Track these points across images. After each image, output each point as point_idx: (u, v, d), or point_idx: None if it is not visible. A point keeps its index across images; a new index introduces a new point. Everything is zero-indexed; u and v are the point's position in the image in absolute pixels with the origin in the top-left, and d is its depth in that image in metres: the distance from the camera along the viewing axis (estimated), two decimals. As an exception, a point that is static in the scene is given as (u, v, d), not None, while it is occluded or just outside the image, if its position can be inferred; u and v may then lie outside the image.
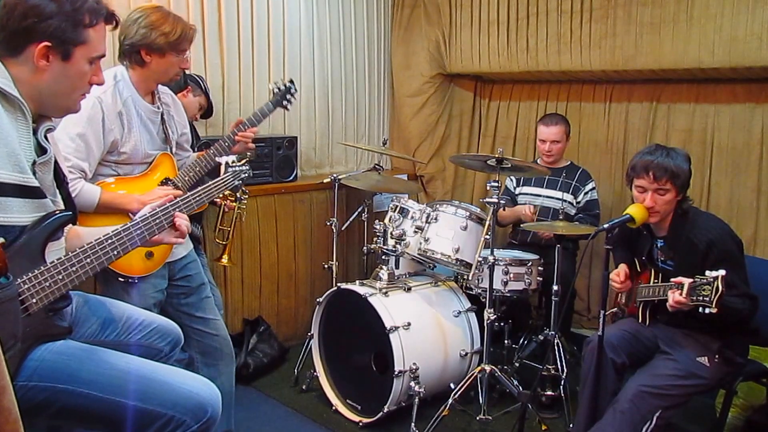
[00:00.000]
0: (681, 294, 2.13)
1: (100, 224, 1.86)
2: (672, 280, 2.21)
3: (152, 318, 1.85)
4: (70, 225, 1.59)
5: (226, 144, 2.50)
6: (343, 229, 3.73)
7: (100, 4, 1.49)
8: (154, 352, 1.77)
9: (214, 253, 3.17)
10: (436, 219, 3.02)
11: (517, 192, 3.76)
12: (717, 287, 2.03)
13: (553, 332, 3.02)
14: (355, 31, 4.24)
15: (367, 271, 3.74)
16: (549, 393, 3.06)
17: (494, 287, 2.97)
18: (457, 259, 2.94)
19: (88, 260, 1.46)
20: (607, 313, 2.35)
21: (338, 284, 3.06)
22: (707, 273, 2.07)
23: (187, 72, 2.83)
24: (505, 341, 3.27)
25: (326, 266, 3.66)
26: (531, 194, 3.69)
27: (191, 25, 2.27)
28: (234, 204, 2.70)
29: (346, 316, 3.07)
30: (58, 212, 1.47)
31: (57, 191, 1.53)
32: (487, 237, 2.89)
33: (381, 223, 3.10)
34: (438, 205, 3.08)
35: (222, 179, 2.02)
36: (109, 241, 1.52)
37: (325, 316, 3.16)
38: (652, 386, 2.27)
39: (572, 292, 3.47)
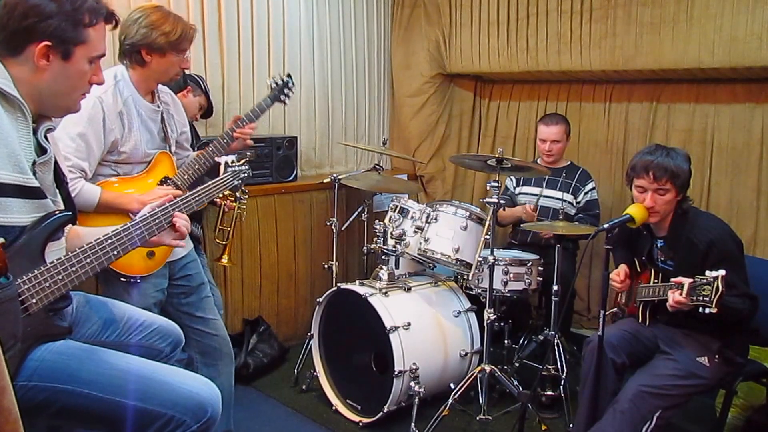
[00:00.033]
0: (681, 294, 2.13)
1: (100, 224, 1.86)
2: (672, 280, 2.21)
3: (153, 319, 1.85)
4: (70, 225, 1.59)
5: (225, 141, 2.49)
6: (343, 229, 3.73)
7: (99, 3, 1.49)
8: (155, 353, 1.77)
9: (214, 253, 3.17)
10: (436, 219, 3.02)
11: (516, 192, 3.76)
12: (717, 287, 2.03)
13: (553, 332, 3.02)
14: (355, 31, 4.24)
15: (367, 271, 3.74)
16: (549, 393, 3.06)
17: (494, 287, 2.97)
18: (457, 259, 2.94)
19: (88, 260, 1.46)
20: (607, 313, 2.35)
21: (338, 284, 3.06)
22: (707, 273, 2.07)
23: (187, 72, 2.83)
24: (505, 341, 3.27)
25: (326, 266, 3.66)
26: (531, 194, 3.68)
27: (191, 25, 2.28)
28: (234, 204, 2.70)
29: (346, 316, 3.07)
30: (58, 212, 1.47)
31: (57, 191, 1.53)
32: (487, 237, 2.89)
33: (381, 223, 3.10)
34: (438, 205, 3.08)
35: (221, 179, 2.02)
36: (109, 241, 1.51)
37: (325, 316, 3.16)
38: (652, 386, 2.27)
39: (572, 292, 3.47)
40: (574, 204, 3.59)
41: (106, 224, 1.74)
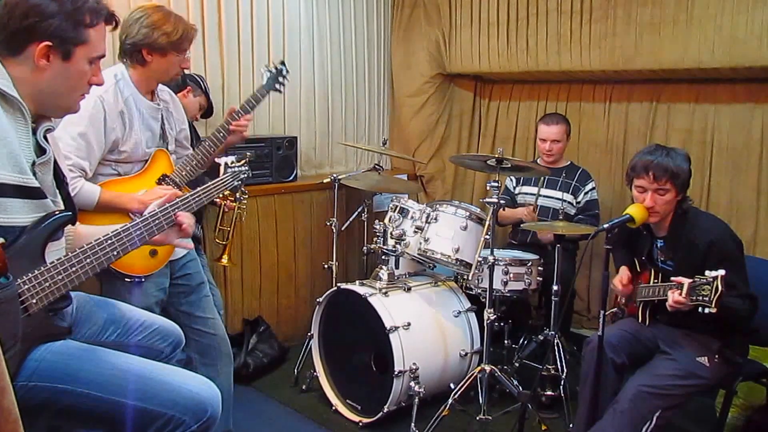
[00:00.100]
0: (681, 294, 2.13)
1: (100, 224, 1.85)
2: (672, 279, 2.21)
3: (153, 319, 1.85)
4: (70, 225, 1.59)
5: (221, 134, 2.46)
6: (343, 229, 3.73)
7: (100, 4, 1.50)
8: (155, 353, 1.77)
9: (214, 253, 3.17)
10: (436, 219, 3.02)
11: (516, 192, 3.76)
12: (717, 287, 2.03)
13: (553, 332, 3.02)
14: (355, 31, 4.24)
15: (367, 271, 3.74)
16: (549, 393, 3.06)
17: (494, 287, 2.97)
18: (457, 259, 2.94)
19: (88, 260, 1.46)
20: (607, 313, 2.35)
21: (338, 284, 3.06)
22: (707, 273, 2.07)
23: (187, 72, 2.83)
24: (505, 341, 3.27)
25: (326, 266, 3.66)
26: (531, 194, 3.68)
27: (192, 25, 2.28)
28: (234, 204, 2.70)
29: (346, 316, 3.07)
30: (58, 212, 1.46)
31: (57, 191, 1.53)
32: (487, 237, 2.89)
33: (381, 223, 3.10)
34: (438, 205, 3.08)
35: (221, 180, 2.02)
36: (109, 241, 1.51)
37: (325, 316, 3.16)
38: (652, 386, 2.27)
39: (572, 292, 3.46)
40: (574, 204, 3.59)
41: (106, 224, 1.74)
